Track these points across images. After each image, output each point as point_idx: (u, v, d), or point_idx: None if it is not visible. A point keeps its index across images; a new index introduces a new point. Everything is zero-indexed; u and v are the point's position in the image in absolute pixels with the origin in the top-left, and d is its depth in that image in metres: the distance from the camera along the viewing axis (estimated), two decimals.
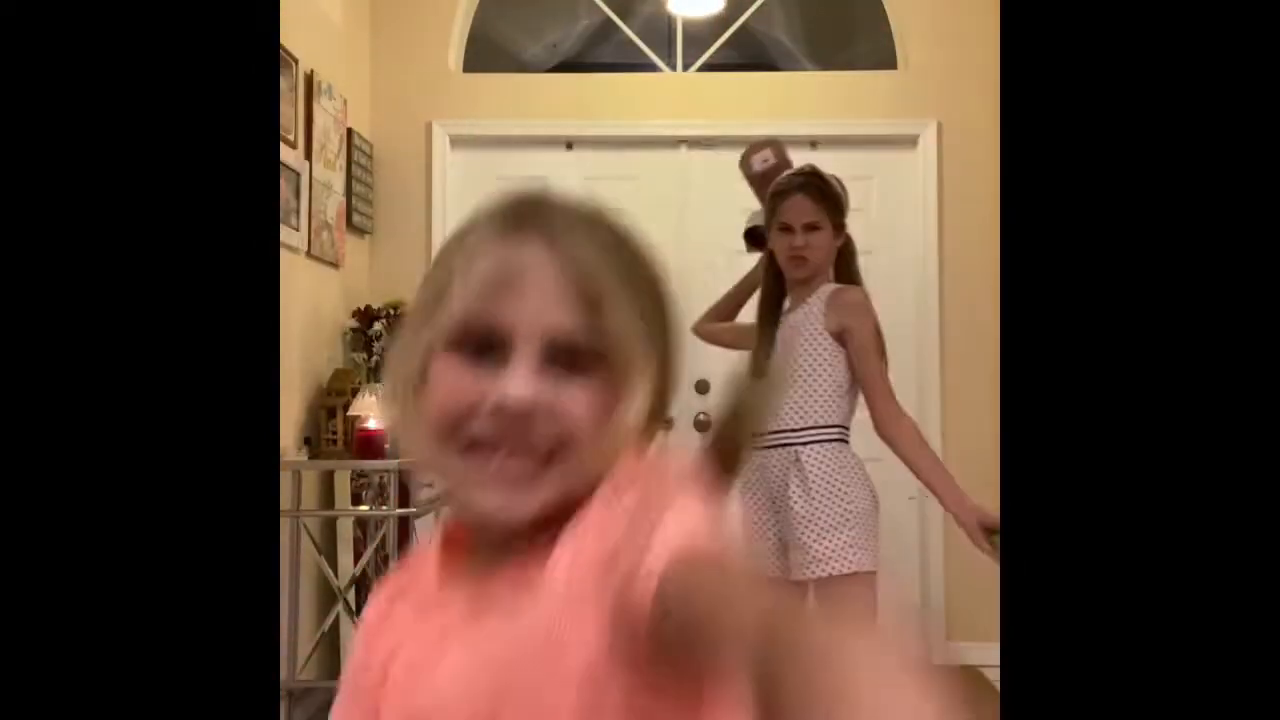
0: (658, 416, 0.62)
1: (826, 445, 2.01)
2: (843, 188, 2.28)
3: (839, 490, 1.96)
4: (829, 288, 2.12)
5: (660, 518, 0.53)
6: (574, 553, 0.56)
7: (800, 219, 2.15)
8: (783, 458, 2.01)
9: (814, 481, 1.96)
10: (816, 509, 1.94)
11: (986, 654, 3.51)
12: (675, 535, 0.52)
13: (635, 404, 0.59)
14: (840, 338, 2.05)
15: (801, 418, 2.03)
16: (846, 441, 2.06)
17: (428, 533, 3.09)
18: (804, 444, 2.01)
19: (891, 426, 2.06)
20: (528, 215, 0.60)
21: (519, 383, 0.56)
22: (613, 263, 0.59)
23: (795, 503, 1.96)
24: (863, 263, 3.74)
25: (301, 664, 2.77)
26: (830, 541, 1.92)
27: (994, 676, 3.39)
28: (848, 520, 1.93)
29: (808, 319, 2.10)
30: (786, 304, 2.17)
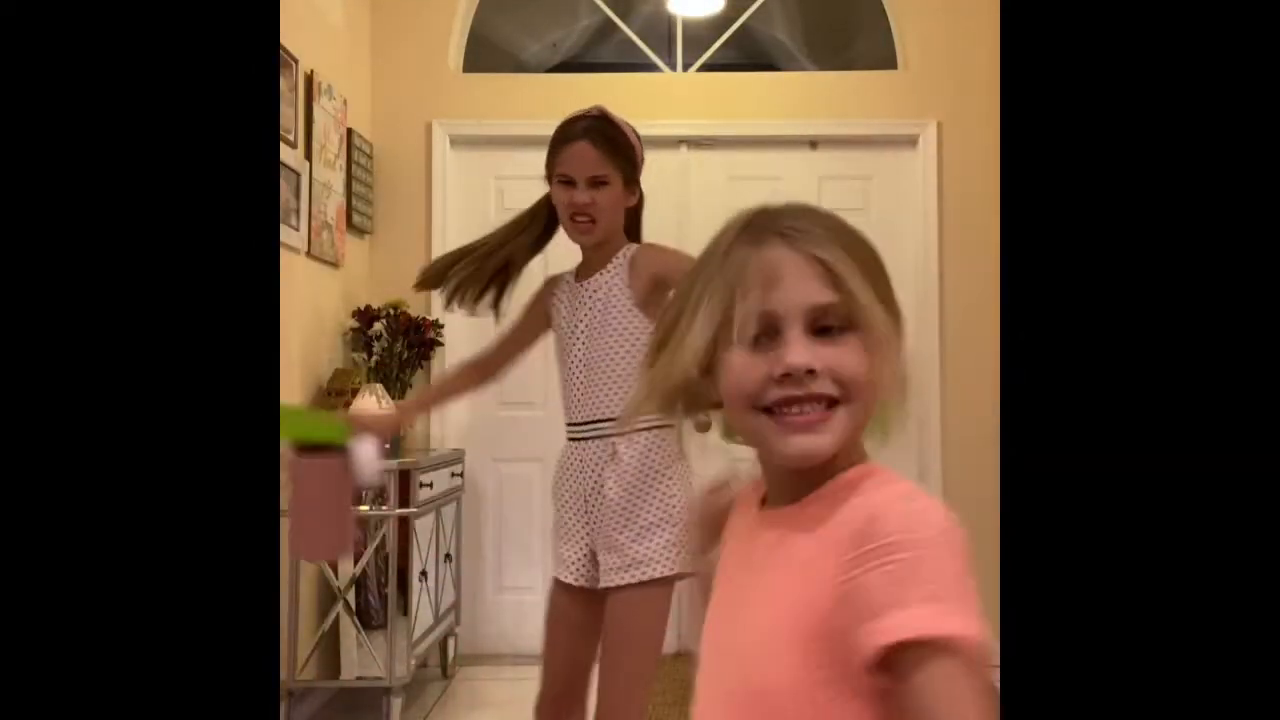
0: (902, 376, 0.78)
1: (646, 435, 1.73)
2: (637, 137, 1.88)
3: (659, 486, 1.71)
4: (631, 248, 1.79)
5: (924, 579, 0.64)
6: (839, 519, 0.73)
7: (584, 171, 1.76)
8: (598, 451, 1.76)
9: (631, 477, 1.71)
10: (635, 508, 1.70)
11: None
12: (938, 619, 0.63)
13: (888, 359, 0.75)
14: (649, 305, 1.73)
15: (618, 406, 1.74)
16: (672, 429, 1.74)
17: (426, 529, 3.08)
18: (622, 435, 1.74)
19: None
20: (768, 228, 0.77)
21: (797, 350, 0.73)
22: (841, 253, 0.76)
23: (611, 501, 1.71)
24: None
25: (301, 664, 2.77)
26: (649, 543, 1.69)
27: (994, 676, 3.39)
28: (669, 519, 1.70)
29: (612, 291, 1.76)
30: (572, 276, 1.85)
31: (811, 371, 0.73)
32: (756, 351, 0.75)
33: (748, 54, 4.08)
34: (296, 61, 2.96)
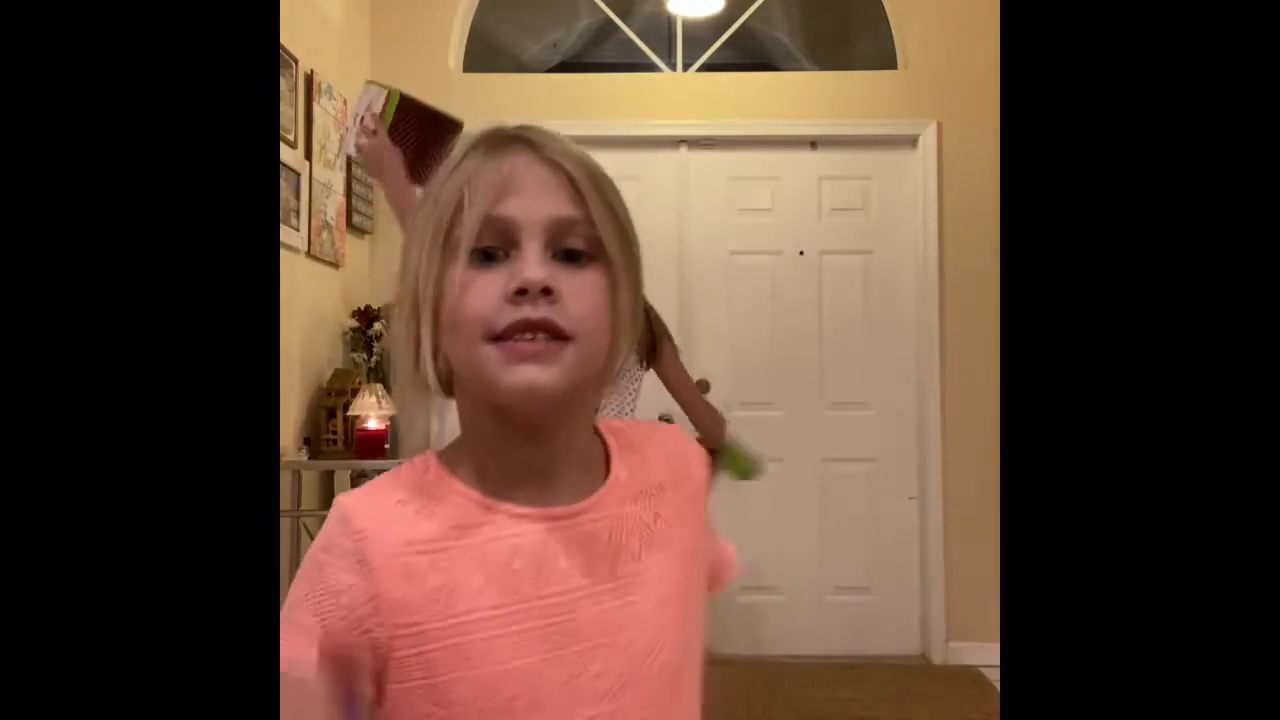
0: (638, 324, 0.71)
1: None
2: None
3: None
4: None
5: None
6: (629, 473, 0.72)
7: None
8: None
9: None
10: None
11: (987, 654, 3.51)
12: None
13: (626, 296, 0.68)
14: None
15: None
16: None
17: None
18: None
19: None
20: (510, 136, 0.69)
21: (534, 265, 0.64)
22: (586, 170, 0.68)
23: None
24: (863, 262, 3.77)
25: None
26: None
27: (994, 676, 3.38)
28: None
29: None
30: None
31: (549, 291, 0.64)
32: (491, 269, 0.65)
33: (748, 54, 4.07)
34: (296, 61, 2.96)
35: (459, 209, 0.65)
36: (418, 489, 0.68)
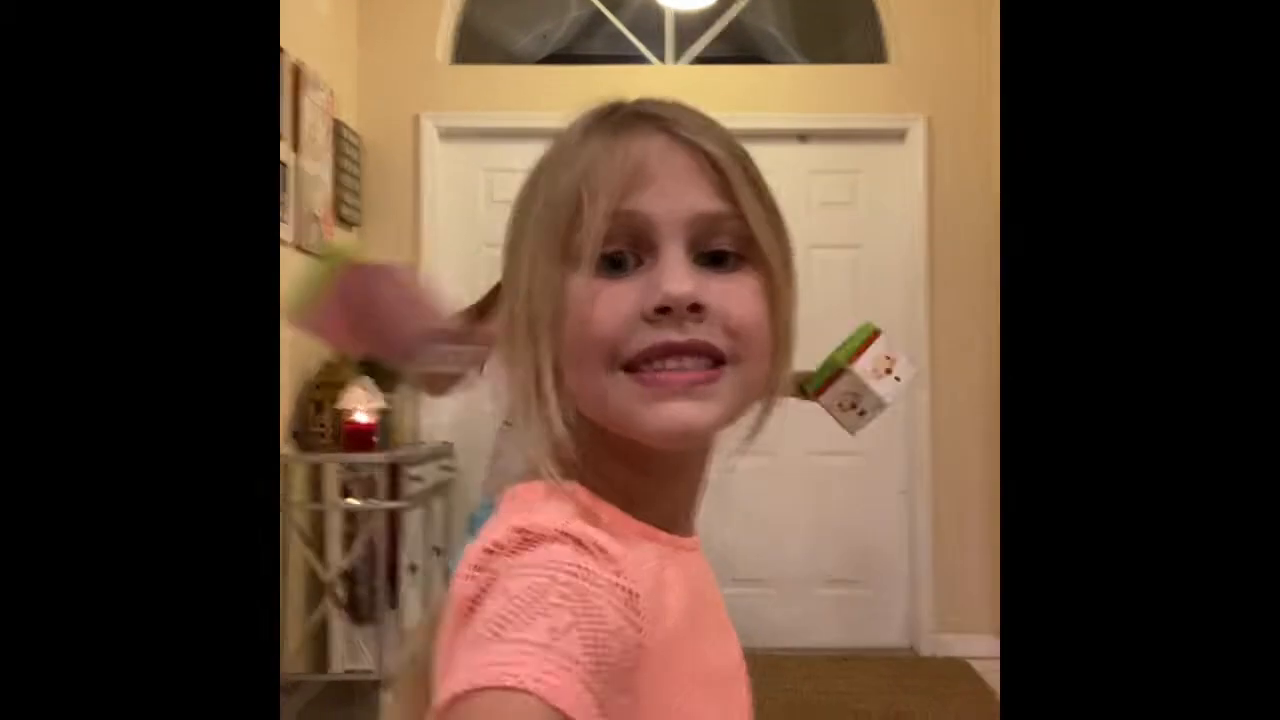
0: (793, 340, 0.57)
1: None
2: None
3: None
4: None
5: None
6: None
7: None
8: None
9: None
10: None
11: (974, 646, 3.53)
12: None
13: (785, 305, 0.55)
14: None
15: None
16: None
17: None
18: None
19: None
20: (635, 113, 0.57)
21: (678, 276, 0.51)
22: (732, 152, 0.55)
23: None
24: (852, 256, 3.78)
25: (291, 658, 2.77)
26: None
27: (981, 669, 3.40)
28: None
29: None
30: None
31: (697, 308, 0.51)
32: (622, 279, 0.52)
33: (738, 47, 4.07)
34: (284, 53, 2.94)
35: (579, 207, 0.52)
36: (602, 521, 0.52)
